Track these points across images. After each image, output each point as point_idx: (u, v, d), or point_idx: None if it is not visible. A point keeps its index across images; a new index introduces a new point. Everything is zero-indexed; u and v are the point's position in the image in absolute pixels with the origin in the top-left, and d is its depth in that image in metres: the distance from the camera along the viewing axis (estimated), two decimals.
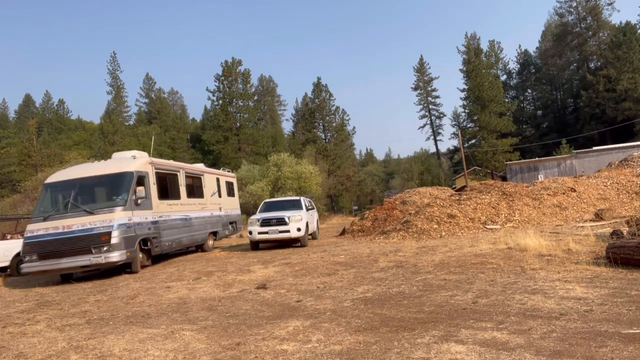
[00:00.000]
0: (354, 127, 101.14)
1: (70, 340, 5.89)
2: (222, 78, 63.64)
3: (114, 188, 11.93)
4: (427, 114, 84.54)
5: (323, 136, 68.42)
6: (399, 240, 14.36)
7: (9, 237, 16.33)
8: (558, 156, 42.73)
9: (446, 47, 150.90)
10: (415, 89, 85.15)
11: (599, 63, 63.84)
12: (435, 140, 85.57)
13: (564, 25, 69.91)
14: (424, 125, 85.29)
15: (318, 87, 67.90)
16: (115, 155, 14.15)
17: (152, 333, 5.87)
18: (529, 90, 78.08)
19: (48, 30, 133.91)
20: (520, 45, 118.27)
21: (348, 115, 75.65)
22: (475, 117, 62.44)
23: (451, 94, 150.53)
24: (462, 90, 66.19)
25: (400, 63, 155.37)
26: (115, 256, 10.94)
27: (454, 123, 77.50)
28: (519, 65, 79.06)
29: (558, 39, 69.86)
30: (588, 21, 66.74)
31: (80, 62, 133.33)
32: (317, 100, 68.19)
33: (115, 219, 11.08)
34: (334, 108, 68.19)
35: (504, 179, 40.73)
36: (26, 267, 11.14)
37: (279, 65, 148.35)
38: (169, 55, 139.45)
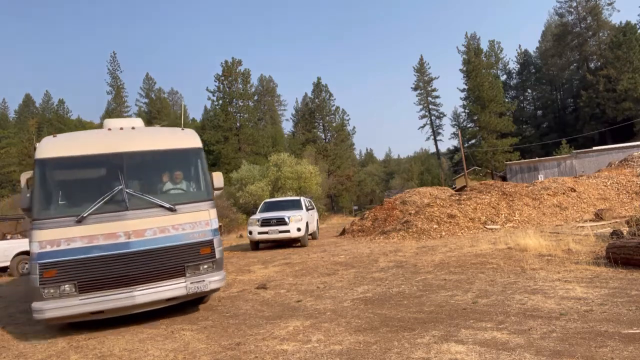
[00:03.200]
0: (354, 127, 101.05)
1: (70, 340, 5.89)
2: (222, 78, 63.63)
3: (184, 172, 7.27)
4: (427, 114, 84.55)
5: (323, 136, 68.43)
6: (399, 240, 14.36)
7: (9, 237, 16.32)
8: (558, 156, 42.73)
9: (446, 47, 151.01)
10: (415, 89, 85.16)
11: (599, 63, 63.82)
12: (435, 140, 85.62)
13: (564, 25, 69.90)
14: (424, 125, 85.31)
15: (318, 87, 67.92)
16: (117, 122, 7.67)
17: (152, 333, 5.87)
18: (529, 90, 78.07)
19: (48, 30, 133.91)
20: (520, 45, 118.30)
21: (348, 115, 75.72)
22: (475, 117, 62.45)
23: (451, 94, 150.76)
24: (462, 90, 66.24)
25: (400, 63, 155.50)
26: (219, 279, 6.57)
27: (454, 123, 77.48)
28: (519, 65, 79.06)
29: (558, 39, 69.84)
30: (588, 21, 66.73)
31: (80, 62, 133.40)
32: (317, 100, 68.22)
33: (212, 220, 6.87)
34: (334, 108, 68.24)
35: (504, 179, 40.73)
36: (55, 307, 5.74)
37: (279, 65, 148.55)
38: (169, 56, 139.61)
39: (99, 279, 5.90)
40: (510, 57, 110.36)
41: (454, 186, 48.39)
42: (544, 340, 4.35)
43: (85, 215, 6.05)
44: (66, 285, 5.83)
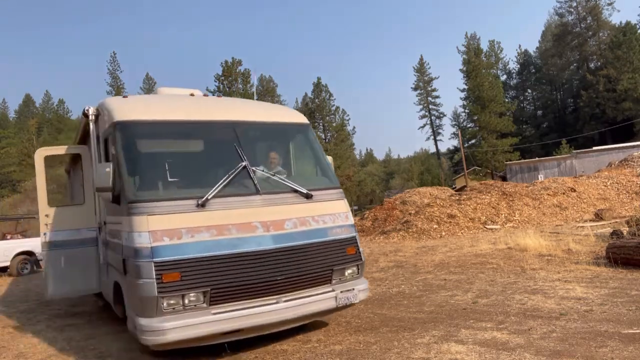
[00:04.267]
0: (354, 127, 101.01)
1: (70, 340, 5.89)
2: (222, 78, 63.65)
3: (304, 151, 5.98)
4: (427, 114, 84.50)
5: (323, 136, 68.43)
6: (399, 240, 14.36)
7: (9, 237, 16.33)
8: (558, 156, 42.72)
9: (446, 47, 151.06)
10: (415, 89, 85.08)
11: (599, 63, 63.80)
12: (435, 140, 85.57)
13: (564, 25, 69.88)
14: (424, 125, 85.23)
15: (318, 87, 67.92)
16: (185, 90, 6.38)
17: None
18: (529, 90, 78.03)
19: (48, 30, 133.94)
20: (520, 45, 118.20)
21: (348, 115, 75.70)
22: (475, 117, 62.41)
23: (451, 94, 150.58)
24: (462, 90, 66.18)
25: (400, 63, 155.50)
26: (365, 289, 5.18)
27: (454, 123, 77.42)
28: (519, 65, 79.03)
29: (558, 39, 69.82)
30: (588, 21, 66.70)
31: (80, 62, 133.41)
32: (317, 100, 68.20)
33: (349, 213, 5.39)
34: (334, 108, 68.22)
35: (504, 179, 40.73)
36: (179, 326, 4.14)
37: (279, 65, 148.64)
38: (169, 55, 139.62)
39: (237, 285, 4.27)
40: (510, 57, 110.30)
41: (454, 186, 48.40)
42: (544, 340, 4.35)
43: (209, 197, 4.44)
44: (192, 294, 4.14)
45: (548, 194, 16.71)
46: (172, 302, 4.09)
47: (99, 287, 6.54)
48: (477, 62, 62.41)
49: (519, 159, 51.42)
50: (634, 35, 56.47)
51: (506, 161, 50.18)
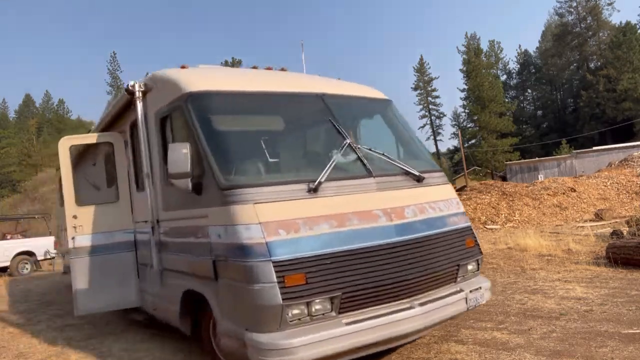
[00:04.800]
0: None
1: (70, 340, 5.90)
2: None
3: (393, 130, 5.15)
4: (427, 113, 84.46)
5: None
6: None
7: (9, 237, 16.34)
8: (558, 156, 42.73)
9: (446, 47, 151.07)
10: (415, 89, 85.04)
11: (599, 63, 63.81)
12: (435, 140, 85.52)
13: (564, 25, 69.91)
14: (424, 125, 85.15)
15: None
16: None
17: (152, 333, 5.87)
18: (529, 90, 78.05)
19: (48, 29, 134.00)
20: (520, 45, 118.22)
21: None
22: (475, 117, 62.42)
23: (451, 94, 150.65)
24: (462, 90, 66.19)
25: (400, 63, 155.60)
26: (489, 287, 4.44)
27: (454, 123, 77.42)
28: (519, 65, 79.06)
29: (558, 39, 69.84)
30: (588, 21, 66.73)
31: (80, 62, 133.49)
32: None
33: (459, 199, 4.77)
34: None
35: (504, 179, 40.73)
36: (310, 342, 3.20)
37: (278, 65, 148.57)
38: (169, 55, 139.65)
39: (369, 287, 3.46)
40: (510, 57, 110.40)
41: (454, 186, 48.38)
42: (544, 340, 4.35)
43: (322, 180, 3.69)
44: (319, 301, 3.30)
45: (548, 194, 16.71)
46: (296, 311, 3.22)
47: (138, 299, 5.60)
48: (477, 62, 62.41)
49: (519, 159, 51.43)
50: (634, 35, 56.48)
51: (506, 161, 50.20)
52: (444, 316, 3.83)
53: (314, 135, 4.65)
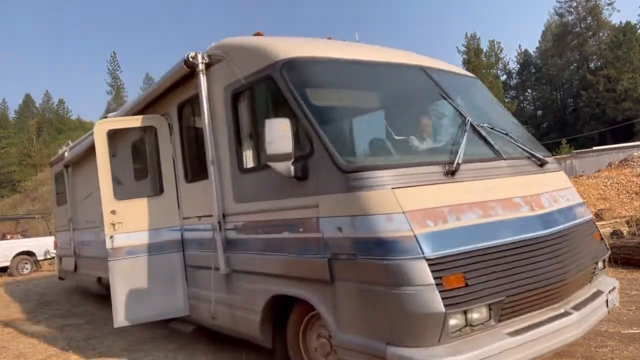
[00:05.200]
0: None
1: (70, 340, 5.90)
2: None
3: (490, 107, 4.64)
4: None
5: None
6: None
7: (9, 237, 16.35)
8: (558, 156, 42.69)
9: (446, 47, 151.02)
10: None
11: (599, 63, 63.81)
12: None
13: (564, 25, 69.91)
14: None
15: None
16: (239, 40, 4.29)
17: (153, 333, 5.87)
18: (529, 90, 78.07)
19: (48, 30, 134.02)
20: (520, 45, 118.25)
21: None
22: None
23: None
24: None
25: None
26: (617, 287, 3.87)
27: None
28: (519, 65, 79.08)
29: (558, 39, 69.84)
30: (588, 21, 66.74)
31: (80, 62, 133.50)
32: None
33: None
34: None
35: None
36: (474, 359, 2.59)
37: None
38: (169, 55, 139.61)
39: (529, 290, 2.91)
40: (510, 57, 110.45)
41: None
42: None
43: (459, 161, 3.15)
44: (478, 307, 2.71)
45: None
46: (456, 321, 2.64)
47: (186, 307, 4.92)
48: (477, 62, 62.44)
49: None
50: (634, 35, 56.49)
51: None
52: (594, 322, 3.28)
53: (424, 111, 4.04)
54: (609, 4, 65.97)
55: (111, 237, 4.81)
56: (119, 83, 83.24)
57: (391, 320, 2.68)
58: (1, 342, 6.15)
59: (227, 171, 4.06)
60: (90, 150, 6.85)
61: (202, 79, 4.21)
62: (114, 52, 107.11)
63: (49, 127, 77.10)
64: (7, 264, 14.89)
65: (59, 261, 10.31)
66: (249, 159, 3.90)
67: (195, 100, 4.46)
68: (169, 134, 5.06)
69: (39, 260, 15.77)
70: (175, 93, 4.87)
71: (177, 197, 4.98)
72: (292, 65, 3.41)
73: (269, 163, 3.16)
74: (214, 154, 4.16)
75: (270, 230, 3.63)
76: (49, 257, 15.90)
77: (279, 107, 3.47)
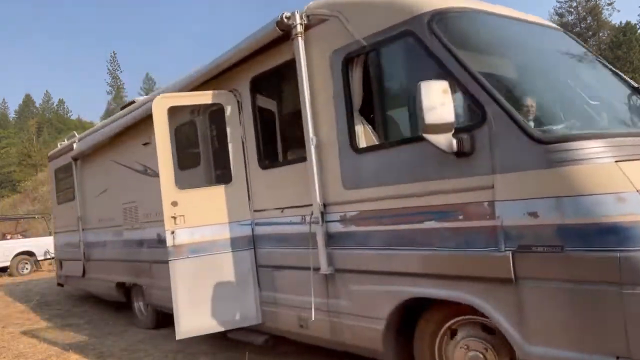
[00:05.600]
0: None
1: (70, 340, 5.90)
2: None
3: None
4: None
5: None
6: None
7: (9, 237, 16.36)
8: None
9: None
10: None
11: None
12: None
13: (564, 25, 69.97)
14: None
15: None
16: None
17: (153, 334, 5.87)
18: None
19: (48, 30, 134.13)
20: None
21: None
22: None
23: None
24: None
25: None
26: None
27: None
28: None
29: None
30: (588, 21, 66.82)
31: (80, 62, 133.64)
32: None
33: None
34: None
35: None
36: None
37: None
38: (169, 55, 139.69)
39: None
40: None
41: None
42: None
43: None
44: None
45: None
46: None
47: (258, 315, 4.25)
48: None
49: None
50: (634, 35, 56.53)
51: None
52: None
53: (585, 76, 3.63)
54: (609, 4, 66.05)
55: (172, 232, 4.11)
56: (119, 83, 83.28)
57: (627, 328, 2.13)
58: (1, 342, 6.15)
59: (333, 152, 3.41)
60: (109, 140, 6.46)
61: (300, 44, 3.56)
62: (114, 52, 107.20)
63: (49, 127, 77.13)
64: (7, 264, 14.90)
65: (58, 265, 9.26)
66: (366, 137, 3.28)
67: (277, 71, 3.92)
68: (238, 113, 4.33)
69: (39, 260, 15.78)
70: (247, 65, 4.17)
71: (248, 187, 4.28)
72: (443, 17, 2.85)
73: (426, 135, 2.55)
74: (313, 133, 3.48)
75: (402, 221, 3.01)
76: (49, 257, 15.90)
77: (421, 70, 2.84)
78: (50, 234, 17.22)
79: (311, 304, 3.59)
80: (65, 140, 8.63)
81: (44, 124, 78.82)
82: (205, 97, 4.43)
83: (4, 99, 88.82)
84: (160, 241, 5.25)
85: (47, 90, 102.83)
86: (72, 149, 7.74)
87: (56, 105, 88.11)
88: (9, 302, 9.44)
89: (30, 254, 15.47)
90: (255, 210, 4.26)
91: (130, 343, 5.52)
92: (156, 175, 4.70)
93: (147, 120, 5.00)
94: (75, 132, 8.70)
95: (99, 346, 5.51)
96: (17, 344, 5.98)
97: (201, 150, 4.89)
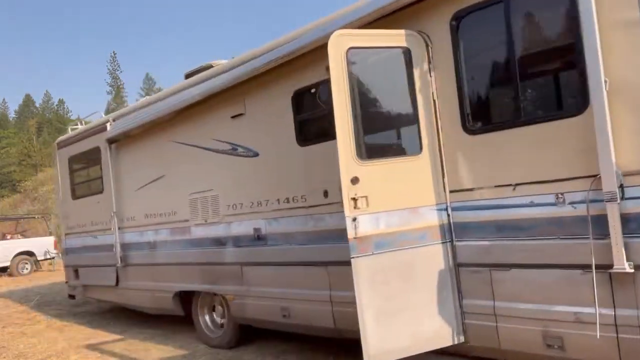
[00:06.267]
0: None
1: (70, 340, 5.89)
2: None
3: None
4: None
5: None
6: None
7: (9, 237, 16.36)
8: None
9: None
10: None
11: None
12: None
13: None
14: None
15: None
16: None
17: (153, 333, 5.86)
18: None
19: (48, 30, 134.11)
20: None
21: None
22: None
23: None
24: None
25: None
26: None
27: None
28: None
29: None
30: None
31: (80, 62, 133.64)
32: None
33: None
34: None
35: None
36: None
37: None
38: (169, 55, 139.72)
39: None
40: None
41: None
42: None
43: None
44: None
45: None
46: None
47: (459, 331, 3.24)
48: None
49: None
50: None
51: None
52: None
53: None
54: None
55: (354, 220, 3.06)
56: (119, 83, 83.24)
57: None
58: (1, 342, 6.14)
59: (633, 100, 2.53)
60: (169, 116, 5.23)
61: None
62: (114, 52, 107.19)
63: (49, 127, 77.09)
64: (7, 264, 14.89)
65: (72, 274, 7.34)
66: None
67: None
68: (427, 61, 3.32)
69: (39, 260, 15.77)
70: None
71: (441, 159, 3.31)
72: None
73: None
74: (603, 73, 2.52)
75: None
76: (49, 257, 15.91)
77: None
78: (50, 234, 17.25)
79: (594, 315, 2.61)
80: (70, 130, 7.49)
81: (44, 124, 78.82)
82: (389, 39, 3.33)
83: (4, 99, 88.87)
84: (260, 237, 4.37)
85: (47, 90, 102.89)
86: (103, 129, 6.33)
87: (56, 105, 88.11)
88: (9, 302, 9.44)
89: (30, 254, 15.47)
90: (452, 191, 3.26)
91: (130, 343, 5.49)
92: (254, 154, 4.17)
93: (239, 86, 4.27)
94: (79, 121, 7.88)
95: (99, 346, 5.50)
96: (17, 344, 5.97)
97: (396, 107, 3.60)
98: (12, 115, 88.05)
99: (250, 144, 4.39)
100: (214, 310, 5.15)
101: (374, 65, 3.52)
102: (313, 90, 3.93)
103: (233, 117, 4.56)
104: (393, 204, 3.16)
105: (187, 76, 5.60)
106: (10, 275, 14.71)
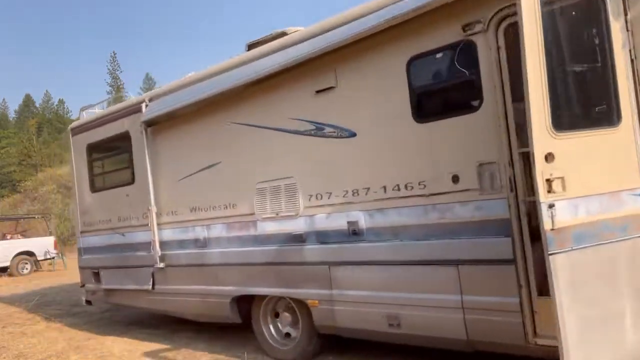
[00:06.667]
0: None
1: (70, 340, 5.89)
2: None
3: None
4: None
5: None
6: None
7: (9, 237, 16.37)
8: None
9: None
10: None
11: None
12: None
13: None
14: None
15: None
16: None
17: (152, 333, 5.86)
18: None
19: (48, 30, 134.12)
20: None
21: None
22: None
23: None
24: None
25: None
26: None
27: None
28: None
29: None
30: None
31: (80, 62, 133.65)
32: None
33: None
34: None
35: None
36: None
37: None
38: (169, 55, 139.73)
39: None
40: None
41: None
42: None
43: None
44: None
45: None
46: None
47: None
48: None
49: None
50: None
51: None
52: None
53: None
54: None
55: (550, 206, 2.42)
56: (119, 83, 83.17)
57: None
58: (1, 342, 6.14)
59: None
60: (229, 93, 4.44)
61: None
62: (114, 52, 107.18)
63: (49, 127, 77.06)
64: (7, 264, 14.91)
65: (91, 277, 6.41)
66: None
67: None
68: (624, 13, 2.76)
69: (39, 260, 15.79)
70: None
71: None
72: None
73: None
74: None
75: None
76: (49, 257, 15.92)
77: None
78: (50, 234, 17.26)
79: None
80: (84, 115, 6.69)
81: (44, 124, 78.77)
82: None
83: (4, 99, 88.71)
84: (356, 232, 3.68)
85: (47, 90, 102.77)
86: (137, 110, 5.51)
87: (56, 105, 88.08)
88: (9, 302, 9.44)
89: (30, 254, 15.48)
90: None
91: (130, 343, 5.48)
92: (349, 134, 3.56)
93: (328, 55, 3.62)
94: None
95: (99, 346, 5.50)
96: (17, 344, 5.98)
97: (576, 70, 2.90)
98: (12, 115, 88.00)
99: (343, 122, 3.67)
100: (277, 317, 4.50)
101: (563, 17, 2.84)
102: (440, 55, 3.23)
103: (318, 91, 3.82)
104: (591, 188, 2.56)
105: (250, 47, 4.83)
106: (10, 275, 14.73)
